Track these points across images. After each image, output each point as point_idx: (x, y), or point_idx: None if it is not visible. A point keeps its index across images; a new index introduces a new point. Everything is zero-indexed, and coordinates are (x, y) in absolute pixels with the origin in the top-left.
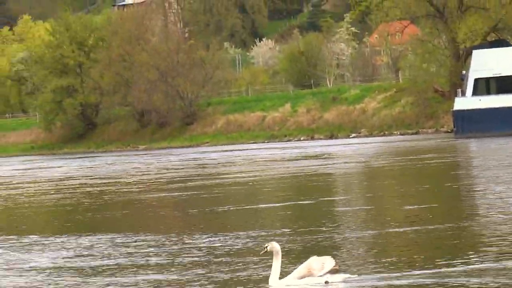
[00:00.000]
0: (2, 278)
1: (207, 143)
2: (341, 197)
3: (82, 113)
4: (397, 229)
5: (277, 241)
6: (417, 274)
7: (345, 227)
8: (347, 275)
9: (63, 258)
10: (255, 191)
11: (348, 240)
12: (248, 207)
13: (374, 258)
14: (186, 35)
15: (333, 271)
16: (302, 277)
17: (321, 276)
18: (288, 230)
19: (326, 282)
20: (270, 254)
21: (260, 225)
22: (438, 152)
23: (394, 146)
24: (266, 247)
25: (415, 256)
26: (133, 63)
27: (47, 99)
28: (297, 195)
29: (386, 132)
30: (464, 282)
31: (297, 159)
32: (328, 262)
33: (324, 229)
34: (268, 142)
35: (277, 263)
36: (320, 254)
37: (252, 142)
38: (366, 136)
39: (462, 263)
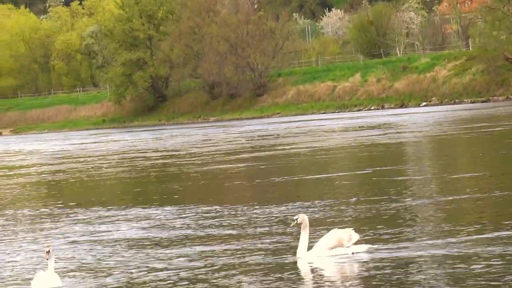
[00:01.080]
0: (76, 250)
1: (278, 114)
2: (410, 166)
3: (152, 86)
4: (465, 196)
5: (349, 210)
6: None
7: (412, 196)
8: (370, 246)
9: (134, 229)
10: (324, 161)
11: (414, 208)
12: (318, 176)
13: (443, 225)
14: (256, 6)
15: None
16: (332, 248)
17: (348, 247)
18: (358, 198)
19: (352, 253)
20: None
21: (332, 194)
22: (510, 119)
23: (465, 114)
24: (296, 219)
25: (480, 222)
26: (203, 35)
27: (118, 73)
28: (366, 164)
29: (457, 100)
30: None
31: (366, 128)
32: (353, 234)
33: (393, 197)
34: (338, 112)
35: (305, 235)
36: (386, 222)
37: (323, 112)
38: (436, 104)
39: None
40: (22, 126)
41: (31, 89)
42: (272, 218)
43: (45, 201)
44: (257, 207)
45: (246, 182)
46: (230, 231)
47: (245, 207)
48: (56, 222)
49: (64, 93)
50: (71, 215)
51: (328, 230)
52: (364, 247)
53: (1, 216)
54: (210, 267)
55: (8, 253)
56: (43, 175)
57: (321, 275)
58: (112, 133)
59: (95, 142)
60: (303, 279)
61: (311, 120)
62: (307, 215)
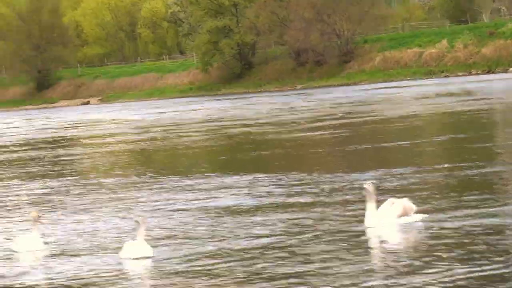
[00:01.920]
0: (165, 219)
1: (366, 80)
2: (497, 133)
3: (239, 53)
4: None
5: (436, 177)
6: None
7: (499, 163)
8: (424, 215)
9: (222, 198)
10: (411, 128)
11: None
12: (405, 142)
13: None
14: None
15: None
16: (399, 216)
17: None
18: (446, 165)
19: (416, 221)
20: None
21: (419, 161)
22: None
23: None
24: (365, 187)
25: None
26: (288, 1)
27: (204, 40)
28: (453, 131)
29: None
30: None
31: (454, 95)
32: (411, 203)
33: (479, 163)
34: (426, 78)
35: (372, 204)
36: (475, 188)
37: (410, 78)
38: None
39: None
40: (110, 95)
41: (117, 57)
42: (356, 186)
43: (132, 169)
44: (340, 174)
45: (330, 150)
46: (313, 199)
47: (328, 175)
48: (144, 190)
49: (150, 61)
50: (159, 184)
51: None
52: (419, 216)
53: (88, 185)
54: (295, 234)
55: (96, 222)
56: (130, 144)
57: (392, 243)
58: (199, 101)
59: (181, 111)
60: (375, 247)
61: (398, 87)
62: (392, 182)
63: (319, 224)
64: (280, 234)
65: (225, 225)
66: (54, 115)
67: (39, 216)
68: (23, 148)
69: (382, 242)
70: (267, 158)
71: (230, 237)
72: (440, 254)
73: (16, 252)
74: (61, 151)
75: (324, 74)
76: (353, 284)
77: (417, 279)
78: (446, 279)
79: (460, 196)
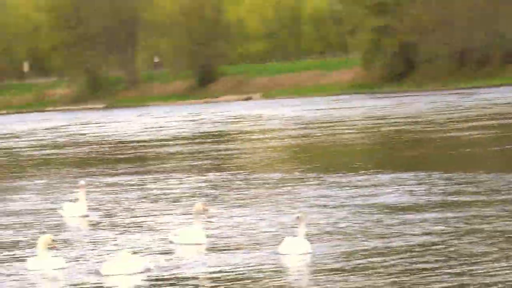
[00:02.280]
0: (326, 215)
1: None
2: None
3: (401, 52)
4: None
5: None
6: None
7: None
8: None
9: (383, 194)
10: None
11: None
12: None
13: None
14: None
15: None
16: None
17: None
18: None
19: None
20: None
21: None
22: None
23: None
24: None
25: None
26: (452, 1)
27: (366, 39)
28: None
29: None
30: None
31: None
32: None
33: None
34: None
35: None
36: None
37: None
38: None
39: None
40: (272, 91)
41: (280, 54)
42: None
43: (291, 165)
44: (500, 174)
45: (487, 149)
46: (471, 198)
47: (487, 174)
48: (303, 186)
49: (312, 59)
50: (318, 180)
51: None
52: None
53: (249, 180)
54: (453, 234)
55: (256, 217)
56: (290, 140)
57: None
58: (359, 99)
59: (341, 108)
60: None
61: None
62: None
63: (478, 224)
64: (438, 233)
65: (382, 222)
66: (216, 110)
67: (205, 209)
68: (184, 142)
69: None
70: (425, 156)
71: (387, 234)
72: None
73: (177, 244)
74: (222, 146)
75: (487, 75)
76: None
77: None
78: None
79: None
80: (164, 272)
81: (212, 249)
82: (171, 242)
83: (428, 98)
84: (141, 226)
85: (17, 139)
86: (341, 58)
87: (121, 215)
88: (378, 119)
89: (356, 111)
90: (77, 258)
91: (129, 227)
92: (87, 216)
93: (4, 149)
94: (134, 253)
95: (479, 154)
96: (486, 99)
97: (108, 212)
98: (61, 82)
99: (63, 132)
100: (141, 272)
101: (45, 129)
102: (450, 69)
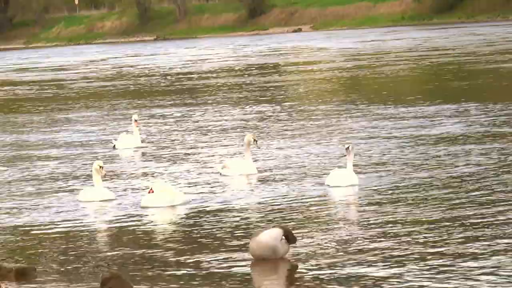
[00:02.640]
0: (373, 147)
1: None
2: None
3: None
4: None
5: None
6: None
7: None
8: None
9: (435, 126)
10: None
11: None
12: None
13: None
14: None
15: None
16: None
17: None
18: None
19: None
20: None
21: None
22: None
23: None
24: None
25: None
26: None
27: None
28: None
29: None
30: None
31: None
32: None
33: None
34: None
35: None
36: None
37: None
38: None
39: None
40: (322, 23)
41: None
42: None
43: (339, 97)
44: None
45: None
46: None
47: None
48: (352, 117)
49: None
50: (367, 111)
51: None
52: None
53: (297, 111)
54: (504, 164)
55: (304, 148)
56: (338, 71)
57: None
58: (410, 31)
59: (391, 39)
60: None
61: None
62: None
63: None
64: (489, 164)
65: (433, 153)
66: (265, 42)
67: (255, 140)
68: (232, 73)
69: None
70: (473, 87)
71: (438, 166)
72: None
73: (227, 175)
74: (271, 78)
75: None
76: None
77: None
78: None
79: None
80: (210, 203)
81: (261, 180)
82: (220, 173)
83: (477, 29)
84: (191, 158)
85: (67, 72)
86: None
87: (172, 147)
88: (426, 50)
89: (404, 42)
90: (126, 189)
91: (179, 159)
92: (140, 148)
93: (55, 81)
94: (171, 184)
95: None
96: None
97: (160, 144)
98: (112, 14)
99: (113, 64)
100: (180, 204)
101: (93, 61)
102: (500, 1)
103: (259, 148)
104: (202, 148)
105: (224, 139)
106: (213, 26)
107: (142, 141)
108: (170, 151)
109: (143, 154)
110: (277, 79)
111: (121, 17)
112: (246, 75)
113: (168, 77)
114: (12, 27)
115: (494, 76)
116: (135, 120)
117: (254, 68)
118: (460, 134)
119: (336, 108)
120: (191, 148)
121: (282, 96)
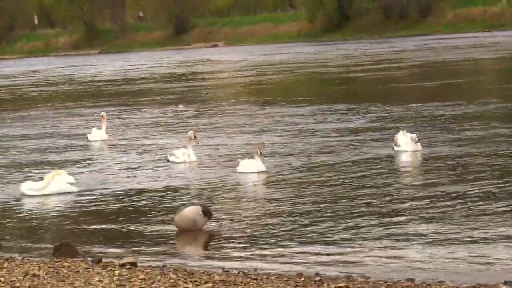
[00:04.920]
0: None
1: (439, 32)
2: None
3: (339, 7)
4: None
5: None
6: None
7: None
8: None
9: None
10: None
11: None
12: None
13: None
14: None
15: None
16: None
17: None
18: None
19: None
20: None
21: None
22: None
23: None
24: None
25: None
26: None
27: None
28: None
29: None
30: None
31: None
32: None
33: None
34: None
35: None
36: None
37: (475, 31)
38: None
39: None
40: (234, 39)
41: (241, 9)
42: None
43: (243, 98)
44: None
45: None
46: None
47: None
48: (252, 115)
49: (267, 13)
50: (263, 110)
51: None
52: None
53: (214, 110)
54: None
55: (226, 141)
56: (242, 78)
57: None
58: (301, 46)
59: (284, 53)
60: None
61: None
62: None
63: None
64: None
65: (323, 143)
66: (187, 55)
67: (195, 136)
68: (159, 80)
69: None
70: (341, 92)
71: (327, 154)
72: None
73: (174, 162)
74: (190, 83)
75: (406, 27)
76: None
77: None
78: None
79: None
80: (153, 183)
81: (199, 166)
82: (168, 160)
83: (353, 46)
84: (144, 148)
85: (29, 78)
86: (290, 12)
87: (127, 139)
88: (305, 62)
89: (290, 56)
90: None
91: (136, 149)
92: (106, 140)
93: (14, 86)
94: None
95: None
96: (395, 47)
97: (119, 137)
98: (64, 32)
99: (65, 72)
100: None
101: (48, 69)
102: (377, 22)
103: (197, 143)
104: (149, 139)
105: (163, 132)
106: (147, 42)
107: (107, 134)
108: (127, 142)
109: (110, 145)
110: (195, 84)
111: (72, 34)
112: (169, 81)
113: (110, 83)
114: None
115: (356, 83)
116: (102, 116)
117: (175, 76)
118: (343, 128)
119: (241, 107)
120: (142, 139)
121: (200, 98)
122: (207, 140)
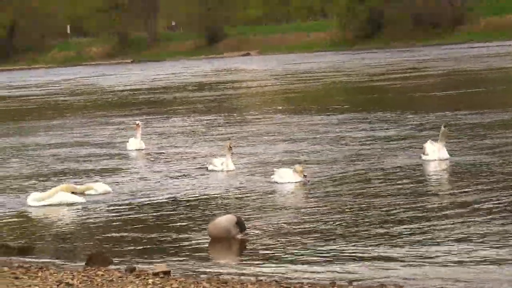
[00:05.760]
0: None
1: (471, 41)
2: None
3: (371, 17)
4: None
5: None
6: None
7: None
8: None
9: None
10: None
11: None
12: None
13: None
14: None
15: None
16: None
17: None
18: None
19: None
20: None
21: None
22: None
23: None
24: None
25: None
26: None
27: (342, 6)
28: None
29: None
30: None
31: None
32: None
33: None
34: None
35: None
36: None
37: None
38: None
39: None
40: (266, 48)
41: (273, 18)
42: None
43: (277, 106)
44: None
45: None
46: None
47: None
48: (285, 123)
49: (299, 22)
50: (297, 118)
51: None
52: None
53: (248, 118)
54: None
55: (262, 150)
56: (271, 87)
57: None
58: (332, 55)
59: (316, 62)
60: None
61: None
62: None
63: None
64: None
65: (358, 151)
66: (219, 64)
67: (231, 147)
68: (190, 88)
69: None
70: (371, 100)
71: (362, 161)
72: None
73: (212, 171)
74: (219, 92)
75: (438, 35)
76: None
77: None
78: None
79: None
80: (191, 192)
81: (237, 174)
82: (207, 169)
83: (384, 54)
84: (182, 157)
85: (60, 87)
86: (322, 21)
87: (164, 148)
88: (337, 71)
89: (324, 64)
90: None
91: (174, 158)
92: (142, 149)
93: (46, 95)
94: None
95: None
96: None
97: (155, 145)
98: (97, 41)
99: (97, 81)
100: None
101: (79, 78)
102: (408, 30)
103: (232, 153)
104: (183, 148)
105: (197, 141)
106: (178, 51)
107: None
108: (163, 151)
109: (146, 154)
110: (226, 93)
111: (104, 43)
112: (201, 90)
113: (141, 92)
114: (17, 52)
115: (385, 92)
116: (137, 125)
117: (207, 84)
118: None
119: (273, 116)
120: (177, 148)
121: (233, 107)
122: (243, 149)
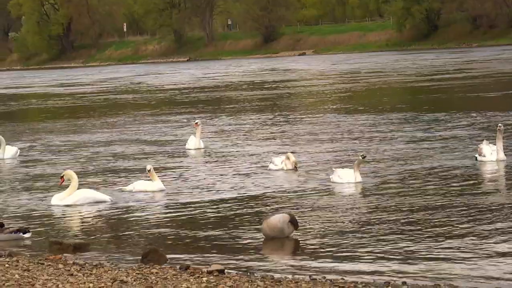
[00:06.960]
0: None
1: None
2: None
3: (427, 17)
4: None
5: None
6: None
7: None
8: None
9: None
10: None
11: None
12: None
13: None
14: None
15: None
16: None
17: None
18: None
19: None
20: None
21: None
22: None
23: None
24: None
25: None
26: None
27: (399, 6)
28: None
29: None
30: None
31: None
32: None
33: None
34: None
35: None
36: None
37: None
38: None
39: None
40: (322, 48)
41: (329, 18)
42: None
43: (332, 106)
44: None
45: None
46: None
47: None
48: (345, 122)
49: (355, 22)
50: (355, 118)
51: None
52: None
53: (302, 120)
54: None
55: (322, 150)
56: (333, 86)
57: None
58: (389, 55)
59: (372, 62)
60: None
61: None
62: None
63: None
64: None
65: (419, 150)
66: (275, 62)
67: (296, 164)
68: (246, 87)
69: None
70: (431, 100)
71: (425, 160)
72: None
73: (273, 169)
74: (274, 91)
75: (494, 36)
76: None
77: None
78: None
79: None
80: (252, 191)
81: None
82: (268, 168)
83: (441, 55)
84: (241, 155)
85: (115, 84)
86: (378, 22)
87: (223, 146)
88: (392, 70)
89: (379, 64)
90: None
91: (233, 156)
92: (200, 149)
93: (103, 93)
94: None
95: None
96: (485, 56)
97: (213, 144)
98: (153, 40)
99: (154, 79)
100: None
101: (134, 76)
102: (465, 32)
103: (297, 170)
104: (244, 147)
105: (253, 140)
106: (234, 50)
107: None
108: (221, 149)
109: (205, 152)
110: (282, 92)
111: (161, 42)
112: (257, 89)
113: (198, 90)
114: (73, 49)
115: (441, 92)
116: (196, 123)
117: (263, 83)
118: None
119: (328, 115)
120: (235, 146)
121: (289, 106)
122: (301, 148)
